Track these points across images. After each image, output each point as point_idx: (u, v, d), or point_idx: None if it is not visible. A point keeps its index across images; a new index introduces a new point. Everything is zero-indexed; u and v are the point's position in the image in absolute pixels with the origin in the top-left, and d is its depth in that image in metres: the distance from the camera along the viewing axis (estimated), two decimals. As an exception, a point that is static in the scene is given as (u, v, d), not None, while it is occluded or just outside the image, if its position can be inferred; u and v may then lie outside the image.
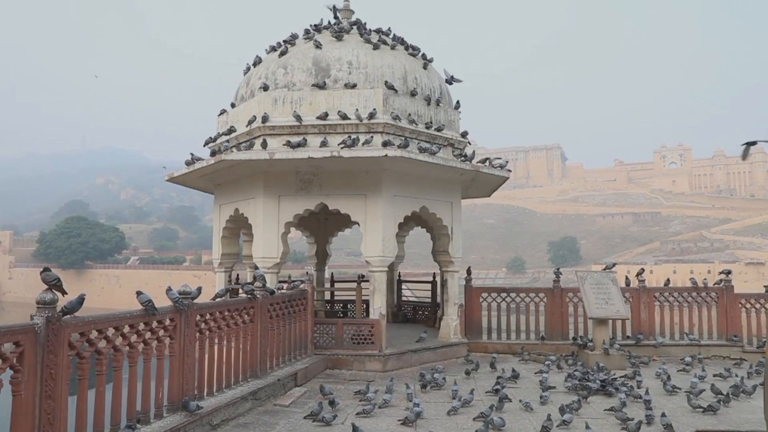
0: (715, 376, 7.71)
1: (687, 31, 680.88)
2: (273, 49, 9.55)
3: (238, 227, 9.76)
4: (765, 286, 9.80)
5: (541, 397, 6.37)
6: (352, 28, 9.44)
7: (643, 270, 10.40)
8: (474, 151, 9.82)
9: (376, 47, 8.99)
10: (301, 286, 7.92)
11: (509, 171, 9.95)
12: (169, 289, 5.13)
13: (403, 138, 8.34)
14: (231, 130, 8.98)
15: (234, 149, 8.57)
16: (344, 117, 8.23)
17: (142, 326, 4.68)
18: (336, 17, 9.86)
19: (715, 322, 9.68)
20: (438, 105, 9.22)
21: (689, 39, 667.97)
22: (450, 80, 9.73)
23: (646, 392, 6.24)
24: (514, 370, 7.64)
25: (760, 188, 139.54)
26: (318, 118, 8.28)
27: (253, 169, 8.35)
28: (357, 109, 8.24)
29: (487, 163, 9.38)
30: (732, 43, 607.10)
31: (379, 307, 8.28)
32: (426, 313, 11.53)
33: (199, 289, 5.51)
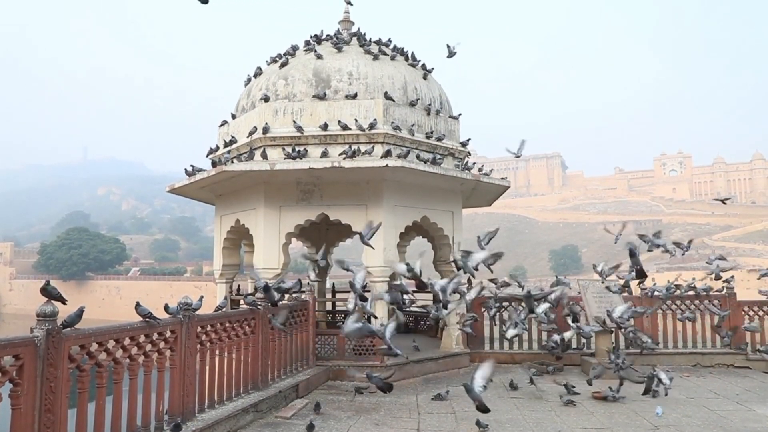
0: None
1: (686, 37, 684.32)
2: (274, 60, 9.60)
3: (239, 238, 9.75)
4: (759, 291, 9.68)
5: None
6: (352, 39, 9.50)
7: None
8: (474, 163, 9.83)
9: (376, 58, 9.03)
10: (302, 296, 7.89)
11: (509, 180, 9.99)
12: (166, 307, 5.11)
13: (403, 148, 8.36)
14: (232, 141, 9.00)
15: (235, 160, 8.58)
16: (345, 127, 8.26)
17: (142, 338, 4.66)
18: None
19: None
20: (438, 115, 9.24)
21: (689, 45, 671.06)
22: (451, 52, 9.30)
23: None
24: (512, 382, 7.57)
25: (761, 195, 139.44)
26: (319, 128, 8.31)
27: (254, 179, 8.36)
28: (357, 120, 8.26)
29: (483, 168, 9.38)
30: (732, 49, 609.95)
31: (380, 317, 8.24)
32: (428, 323, 11.47)
33: (201, 299, 5.50)
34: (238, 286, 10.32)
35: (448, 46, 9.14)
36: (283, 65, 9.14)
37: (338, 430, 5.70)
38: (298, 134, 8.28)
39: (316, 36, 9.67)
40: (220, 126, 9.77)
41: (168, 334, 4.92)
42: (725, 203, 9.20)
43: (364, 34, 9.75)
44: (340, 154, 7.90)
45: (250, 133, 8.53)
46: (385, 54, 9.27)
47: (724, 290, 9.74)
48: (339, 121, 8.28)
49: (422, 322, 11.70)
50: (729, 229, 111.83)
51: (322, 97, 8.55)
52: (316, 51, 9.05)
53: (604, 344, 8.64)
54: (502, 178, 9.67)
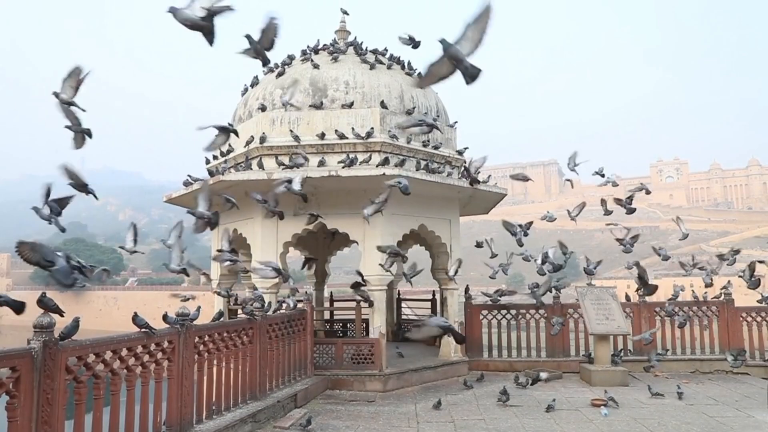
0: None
1: (685, 46, 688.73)
2: (270, 70, 9.62)
3: (237, 248, 9.71)
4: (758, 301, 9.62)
5: None
6: (348, 49, 9.54)
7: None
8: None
9: (372, 67, 9.07)
10: (300, 305, 7.88)
11: (506, 188, 10.06)
12: (165, 317, 5.09)
13: (400, 156, 8.38)
14: (229, 151, 9.01)
15: (232, 170, 8.59)
16: (342, 136, 8.28)
17: (140, 349, 4.64)
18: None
19: (717, 335, 9.62)
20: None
21: (688, 53, 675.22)
22: (413, 42, 8.40)
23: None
24: (505, 390, 7.21)
25: (757, 201, 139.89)
26: (316, 137, 8.33)
27: (251, 189, 8.34)
28: (354, 129, 8.28)
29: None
30: (730, 57, 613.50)
31: (378, 326, 8.23)
32: (426, 331, 11.44)
33: (199, 309, 5.48)
34: (236, 295, 10.27)
35: (410, 38, 8.04)
36: (279, 75, 9.17)
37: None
38: (295, 143, 8.30)
39: (312, 46, 9.72)
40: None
41: (165, 344, 4.90)
42: (603, 177, 8.88)
43: (361, 43, 9.79)
44: (339, 162, 7.92)
45: (248, 143, 8.54)
46: (381, 63, 9.31)
47: (722, 296, 9.75)
48: (336, 130, 8.30)
49: (421, 331, 11.65)
50: (726, 235, 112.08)
51: (318, 107, 8.58)
52: (312, 60, 9.09)
53: (603, 351, 8.64)
54: (495, 184, 9.70)
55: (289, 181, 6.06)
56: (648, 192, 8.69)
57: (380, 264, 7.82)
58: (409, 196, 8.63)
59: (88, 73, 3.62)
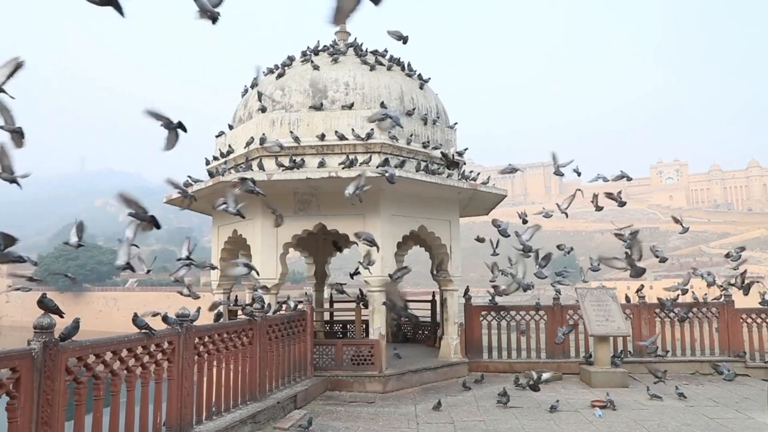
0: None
1: (686, 46, 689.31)
2: (270, 71, 9.63)
3: (237, 248, 9.73)
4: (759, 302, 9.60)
5: None
6: (348, 50, 9.55)
7: (642, 286, 10.36)
8: (471, 171, 9.86)
9: (372, 68, 9.08)
10: (300, 306, 7.88)
11: (506, 189, 10.08)
12: (165, 317, 5.09)
13: (400, 158, 8.39)
14: (229, 152, 9.02)
15: (232, 171, 8.59)
16: (342, 137, 8.29)
17: (140, 350, 4.65)
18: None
19: (717, 337, 9.61)
20: (435, 124, 9.28)
21: (688, 54, 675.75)
22: (401, 37, 8.18)
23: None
24: (505, 391, 7.22)
25: (757, 202, 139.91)
26: (316, 138, 8.34)
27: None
28: (354, 130, 8.29)
29: (479, 176, 9.40)
30: (730, 58, 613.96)
31: (378, 327, 8.23)
32: (426, 332, 11.45)
33: (199, 310, 5.49)
34: (236, 296, 10.29)
35: (400, 35, 8.03)
36: (279, 76, 9.18)
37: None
38: (296, 144, 8.30)
39: (312, 47, 9.73)
40: (217, 136, 9.79)
41: (165, 345, 4.90)
42: (579, 174, 8.84)
43: (361, 44, 9.79)
44: (340, 164, 7.93)
45: (248, 144, 8.54)
46: (381, 64, 9.31)
47: (722, 298, 9.75)
48: (336, 132, 8.31)
49: (420, 332, 11.67)
50: (726, 237, 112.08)
51: (318, 108, 8.59)
52: (312, 62, 9.10)
53: (603, 352, 8.64)
54: (494, 185, 9.71)
55: (245, 181, 6.17)
56: (629, 179, 8.92)
57: (359, 261, 7.69)
58: (409, 197, 8.68)
59: (21, 63, 3.51)
